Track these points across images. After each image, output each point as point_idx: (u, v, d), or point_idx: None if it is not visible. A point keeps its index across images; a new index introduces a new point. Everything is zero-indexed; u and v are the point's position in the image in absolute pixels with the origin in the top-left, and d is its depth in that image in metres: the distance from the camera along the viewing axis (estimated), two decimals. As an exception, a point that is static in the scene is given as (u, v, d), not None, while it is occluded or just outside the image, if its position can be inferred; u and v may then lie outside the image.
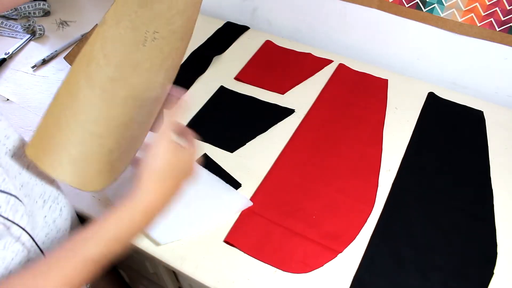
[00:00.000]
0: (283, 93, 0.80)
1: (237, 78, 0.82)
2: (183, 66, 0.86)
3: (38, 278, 0.37)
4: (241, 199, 0.62)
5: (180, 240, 0.58)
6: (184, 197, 0.62)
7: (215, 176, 0.65)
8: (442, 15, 0.75)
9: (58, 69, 0.87)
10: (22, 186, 0.45)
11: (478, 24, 0.73)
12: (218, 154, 0.69)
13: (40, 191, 0.48)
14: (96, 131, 0.45)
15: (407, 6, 0.78)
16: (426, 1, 0.75)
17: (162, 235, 0.58)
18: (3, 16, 1.00)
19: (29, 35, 0.94)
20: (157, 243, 0.58)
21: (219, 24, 0.96)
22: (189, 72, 0.84)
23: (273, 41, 0.91)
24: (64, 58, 0.77)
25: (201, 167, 0.67)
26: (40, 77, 0.85)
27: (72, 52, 0.75)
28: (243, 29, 0.95)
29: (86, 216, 0.62)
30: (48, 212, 0.50)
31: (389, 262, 0.56)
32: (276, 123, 0.74)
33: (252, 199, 0.62)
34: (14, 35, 0.95)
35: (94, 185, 0.46)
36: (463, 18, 0.74)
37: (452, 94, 0.79)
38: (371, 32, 0.86)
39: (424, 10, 0.76)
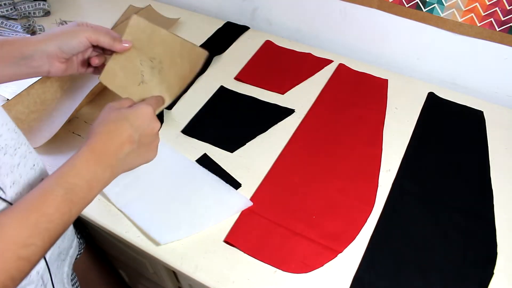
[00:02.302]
0: (283, 93, 0.80)
1: (237, 78, 0.82)
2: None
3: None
4: (241, 199, 0.62)
5: (180, 240, 0.58)
6: (184, 197, 0.63)
7: (215, 176, 0.65)
8: (442, 15, 0.75)
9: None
10: (13, 183, 0.45)
11: (478, 24, 0.73)
12: (218, 154, 0.69)
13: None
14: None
15: (407, 6, 0.78)
16: (426, 1, 0.75)
17: (162, 234, 0.58)
18: (3, 16, 1.00)
19: (29, 35, 0.94)
20: (157, 243, 0.58)
21: (219, 24, 0.96)
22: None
23: (273, 41, 0.91)
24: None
25: (201, 167, 0.67)
26: (40, 78, 0.85)
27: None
28: (243, 29, 0.95)
29: (88, 220, 0.62)
30: None
31: (389, 262, 0.56)
32: (276, 123, 0.74)
33: (252, 199, 0.63)
34: (14, 35, 0.95)
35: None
36: (463, 18, 0.74)
37: (452, 94, 0.79)
38: (371, 32, 0.86)
39: (424, 10, 0.76)
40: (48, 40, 0.56)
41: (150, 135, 0.52)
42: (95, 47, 0.60)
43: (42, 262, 0.51)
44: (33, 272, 0.49)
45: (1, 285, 0.36)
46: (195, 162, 0.68)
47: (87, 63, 0.62)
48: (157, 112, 0.56)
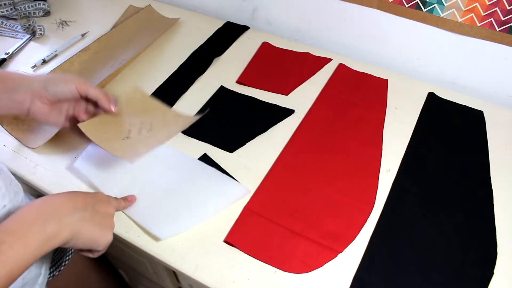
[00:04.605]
0: (287, 94, 0.80)
1: (239, 81, 0.82)
2: (183, 67, 0.86)
3: None
4: (239, 187, 0.63)
5: (180, 239, 0.58)
6: (182, 191, 0.62)
7: (210, 167, 0.66)
8: (442, 15, 0.75)
9: (58, 69, 0.87)
10: None
11: (478, 24, 0.73)
12: (218, 154, 0.69)
13: None
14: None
15: (407, 6, 0.78)
16: (426, 1, 0.75)
17: (162, 230, 0.58)
18: (3, 16, 1.00)
19: (29, 35, 0.95)
20: (157, 239, 0.58)
21: (219, 24, 0.96)
22: (189, 72, 0.85)
23: (273, 41, 0.91)
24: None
25: (196, 159, 0.67)
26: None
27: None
28: (243, 29, 0.95)
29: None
30: None
31: (389, 262, 0.56)
32: (276, 123, 0.74)
33: (252, 199, 0.62)
34: (14, 35, 0.95)
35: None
36: (463, 18, 0.74)
37: (452, 94, 0.79)
38: (371, 32, 0.86)
39: (424, 10, 0.76)
40: (36, 78, 0.55)
41: (105, 205, 0.52)
42: (88, 101, 0.58)
43: None
44: None
45: None
46: (190, 156, 0.68)
47: (75, 121, 0.59)
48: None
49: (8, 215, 0.50)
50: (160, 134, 0.62)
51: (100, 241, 0.50)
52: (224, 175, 0.65)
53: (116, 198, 0.58)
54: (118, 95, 0.61)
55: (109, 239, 0.51)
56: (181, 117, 0.65)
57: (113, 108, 0.58)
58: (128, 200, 0.59)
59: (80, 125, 0.56)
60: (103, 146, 0.57)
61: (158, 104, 0.64)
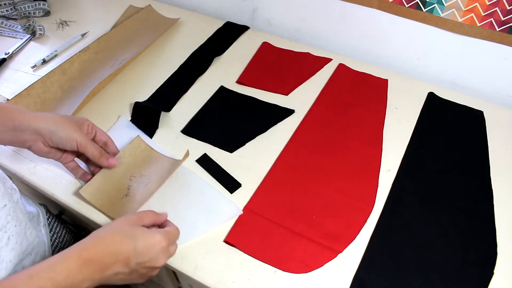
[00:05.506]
0: (287, 94, 0.80)
1: (239, 81, 0.82)
2: (183, 67, 0.86)
3: None
4: (231, 207, 0.61)
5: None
6: (174, 207, 0.61)
7: (206, 182, 0.64)
8: (442, 15, 0.75)
9: (58, 69, 0.87)
10: None
11: (478, 24, 0.73)
12: (218, 154, 0.69)
13: None
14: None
15: (407, 6, 0.78)
16: (426, 1, 0.75)
17: None
18: (3, 16, 1.00)
19: (29, 35, 0.95)
20: None
21: (219, 24, 0.96)
22: (189, 73, 0.84)
23: (273, 41, 0.91)
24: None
25: (192, 172, 0.66)
26: (40, 77, 0.85)
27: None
28: (243, 29, 0.95)
29: (88, 220, 0.62)
30: None
31: (389, 262, 0.56)
32: (276, 123, 0.74)
33: (252, 199, 0.62)
34: (14, 35, 0.95)
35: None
36: (463, 18, 0.74)
37: (452, 94, 0.79)
38: (371, 32, 0.86)
39: (424, 10, 0.76)
40: (44, 120, 0.56)
41: (149, 268, 0.48)
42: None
43: None
44: None
45: None
46: (185, 166, 0.66)
47: (72, 165, 0.63)
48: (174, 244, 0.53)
49: (8, 214, 0.50)
50: (154, 186, 0.62)
51: (127, 283, 0.49)
52: (218, 192, 0.63)
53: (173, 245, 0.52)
54: (122, 150, 0.65)
55: (138, 283, 0.50)
56: (174, 164, 0.65)
57: (113, 163, 0.61)
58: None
59: (81, 191, 0.60)
60: (104, 211, 0.60)
61: (158, 154, 0.67)
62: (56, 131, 0.56)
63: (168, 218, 0.55)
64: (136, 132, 0.72)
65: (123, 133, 0.72)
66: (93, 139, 0.61)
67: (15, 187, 0.57)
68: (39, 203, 0.70)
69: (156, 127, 0.74)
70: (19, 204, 0.55)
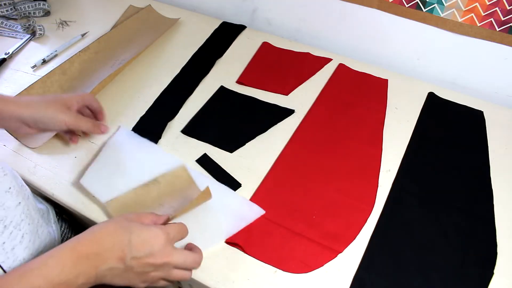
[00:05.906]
0: (287, 94, 0.80)
1: (239, 81, 0.82)
2: (185, 71, 0.86)
3: None
4: (253, 209, 0.61)
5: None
6: (193, 211, 0.60)
7: (227, 188, 0.63)
8: (442, 15, 0.75)
9: (58, 69, 0.87)
10: None
11: (478, 24, 0.73)
12: (218, 154, 0.69)
13: (1, 215, 0.47)
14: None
15: (407, 6, 0.78)
16: (426, 1, 0.75)
17: None
18: (3, 16, 1.00)
19: (29, 35, 0.95)
20: None
21: (219, 24, 0.96)
22: (191, 78, 0.84)
23: (273, 41, 0.91)
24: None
25: (211, 177, 0.65)
26: (40, 77, 0.85)
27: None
28: (240, 28, 0.95)
29: (88, 219, 0.62)
30: (8, 238, 0.48)
31: (389, 262, 0.56)
32: (276, 123, 0.74)
33: (252, 199, 0.62)
34: (14, 35, 0.95)
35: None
36: (463, 18, 0.74)
37: (452, 94, 0.79)
38: (371, 32, 0.86)
39: (424, 10, 0.76)
40: (27, 108, 0.57)
41: (146, 265, 0.45)
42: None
43: None
44: None
45: None
46: (203, 174, 0.66)
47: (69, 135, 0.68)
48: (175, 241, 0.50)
49: (22, 212, 0.50)
50: (174, 214, 0.58)
51: (125, 285, 0.46)
52: (239, 195, 0.62)
53: (190, 253, 0.50)
54: (162, 173, 0.63)
55: (144, 285, 0.47)
56: (199, 198, 0.60)
57: (104, 131, 0.65)
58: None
59: (106, 204, 0.59)
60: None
61: (195, 187, 0.62)
62: (40, 118, 0.57)
63: (191, 230, 0.53)
64: (138, 140, 0.71)
65: (126, 142, 0.70)
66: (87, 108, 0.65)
67: (25, 184, 0.57)
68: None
69: (159, 137, 0.72)
70: (30, 200, 0.56)
